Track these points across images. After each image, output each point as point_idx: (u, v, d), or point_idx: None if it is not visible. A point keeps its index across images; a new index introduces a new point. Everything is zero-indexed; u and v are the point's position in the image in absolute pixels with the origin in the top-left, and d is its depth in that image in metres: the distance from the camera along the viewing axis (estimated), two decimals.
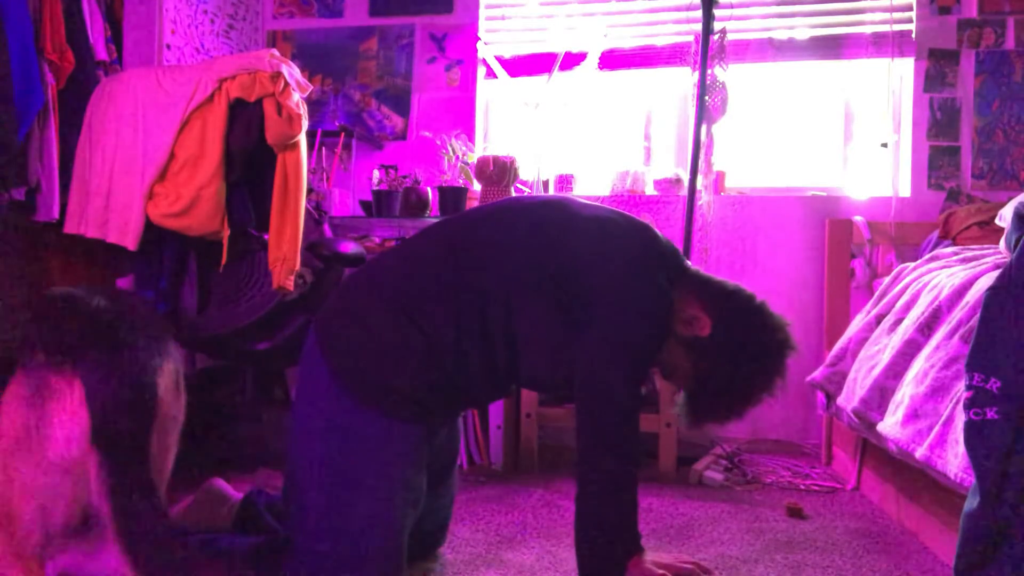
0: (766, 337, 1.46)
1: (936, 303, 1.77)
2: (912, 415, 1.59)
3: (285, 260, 2.14)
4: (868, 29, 2.92)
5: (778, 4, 2.98)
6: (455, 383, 1.44)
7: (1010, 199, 1.98)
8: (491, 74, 3.20)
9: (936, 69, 2.85)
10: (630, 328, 1.39)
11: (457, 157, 2.92)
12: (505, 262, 1.44)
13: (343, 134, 2.99)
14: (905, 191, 2.88)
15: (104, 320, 1.09)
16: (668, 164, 3.14)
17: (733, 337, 1.45)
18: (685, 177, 2.85)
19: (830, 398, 2.18)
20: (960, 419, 1.23)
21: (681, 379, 1.51)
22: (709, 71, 2.67)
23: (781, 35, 2.99)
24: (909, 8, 2.88)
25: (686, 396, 1.51)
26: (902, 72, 2.92)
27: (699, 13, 2.65)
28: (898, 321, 1.96)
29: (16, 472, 1.01)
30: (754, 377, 1.46)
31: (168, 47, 2.78)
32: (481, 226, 1.53)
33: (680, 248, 2.31)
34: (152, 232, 2.15)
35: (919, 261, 2.23)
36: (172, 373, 1.13)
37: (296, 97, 2.10)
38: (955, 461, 1.38)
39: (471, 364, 1.43)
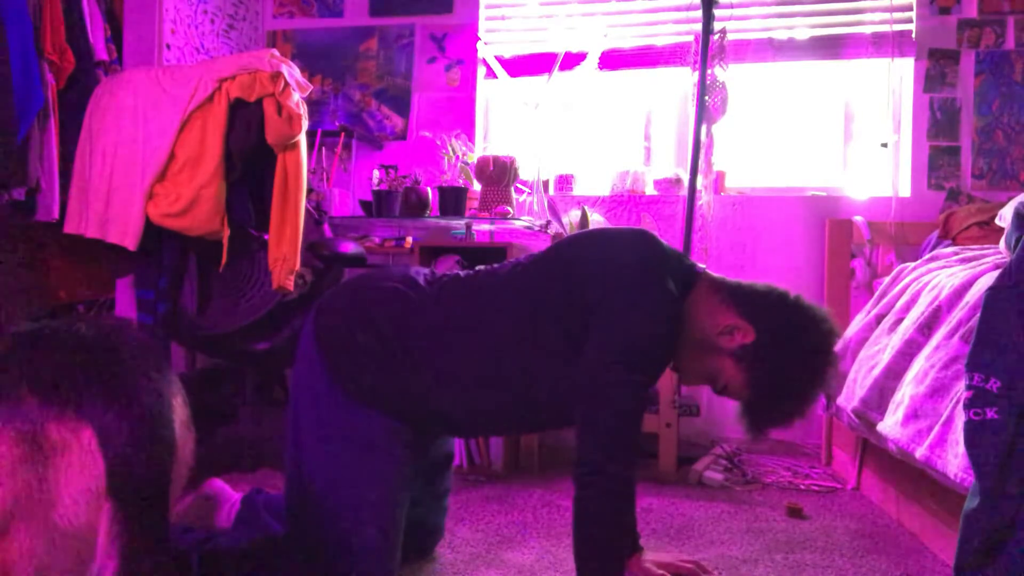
0: (814, 330, 1.42)
1: (936, 303, 1.77)
2: (912, 415, 1.59)
3: (285, 260, 2.14)
4: (868, 29, 2.91)
5: (778, 4, 2.98)
6: (445, 420, 1.47)
7: (1010, 199, 1.97)
8: (491, 74, 3.20)
9: (936, 69, 2.85)
10: (634, 329, 1.37)
11: (457, 157, 2.92)
12: (516, 298, 1.45)
13: (343, 134, 2.99)
14: (905, 191, 2.88)
15: (99, 347, 0.92)
16: (668, 164, 3.14)
17: (781, 338, 1.41)
18: (685, 177, 2.85)
19: (830, 398, 2.18)
20: (960, 419, 1.23)
21: (736, 392, 1.45)
22: (709, 71, 2.67)
23: (781, 35, 2.99)
24: (909, 8, 2.88)
25: (744, 407, 1.46)
26: (902, 72, 2.91)
27: (699, 13, 2.65)
28: (898, 321, 1.96)
29: (14, 539, 0.84)
30: (810, 373, 1.42)
31: (168, 47, 2.79)
32: (500, 271, 1.54)
33: (680, 249, 2.31)
34: (152, 232, 2.15)
35: (919, 261, 2.23)
36: (182, 408, 0.99)
37: (296, 97, 2.10)
38: (955, 461, 1.38)
39: (466, 404, 1.45)
